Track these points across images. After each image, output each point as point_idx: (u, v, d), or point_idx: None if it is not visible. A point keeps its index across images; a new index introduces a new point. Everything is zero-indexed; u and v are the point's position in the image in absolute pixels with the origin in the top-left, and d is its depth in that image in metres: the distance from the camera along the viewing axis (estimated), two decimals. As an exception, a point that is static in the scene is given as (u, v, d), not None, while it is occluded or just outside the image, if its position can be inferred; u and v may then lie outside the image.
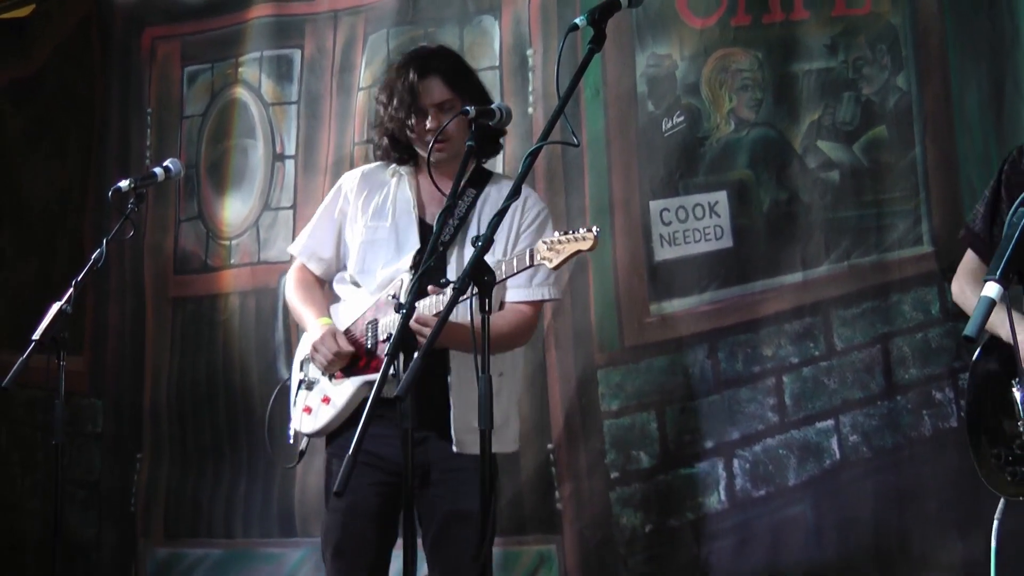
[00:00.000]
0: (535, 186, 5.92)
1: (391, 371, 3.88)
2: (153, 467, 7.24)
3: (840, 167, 5.70)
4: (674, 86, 6.02)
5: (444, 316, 3.70)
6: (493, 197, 4.85)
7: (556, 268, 4.18)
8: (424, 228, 4.89)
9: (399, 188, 4.99)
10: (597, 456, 6.03)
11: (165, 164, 5.47)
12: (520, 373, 5.14)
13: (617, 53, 6.08)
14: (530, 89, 6.35)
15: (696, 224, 5.92)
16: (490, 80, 6.44)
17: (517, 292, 4.80)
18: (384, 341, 4.73)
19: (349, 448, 4.74)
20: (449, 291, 4.61)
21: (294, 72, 7.13)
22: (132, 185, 5.31)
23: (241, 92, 7.27)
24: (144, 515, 7.24)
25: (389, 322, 4.71)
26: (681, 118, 5.99)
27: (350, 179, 5.14)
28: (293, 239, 6.69)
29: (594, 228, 4.07)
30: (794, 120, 5.79)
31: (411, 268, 4.78)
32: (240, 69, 7.27)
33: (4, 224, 7.96)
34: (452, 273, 4.74)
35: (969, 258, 4.52)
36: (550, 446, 6.13)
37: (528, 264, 4.23)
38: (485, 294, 3.72)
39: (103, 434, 7.43)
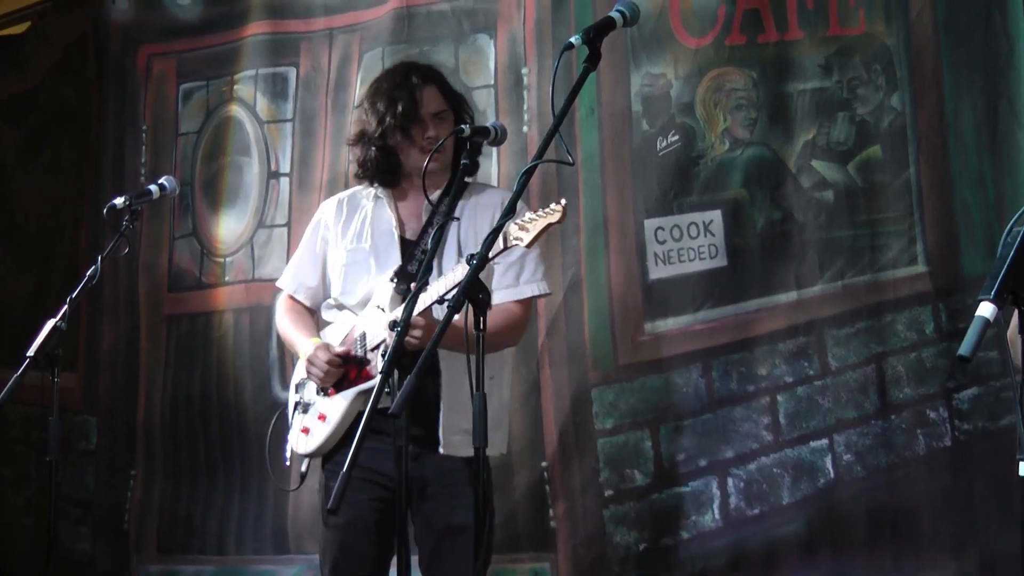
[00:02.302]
0: (529, 204, 5.91)
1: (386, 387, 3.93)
2: (146, 484, 7.23)
3: (834, 187, 5.71)
4: (669, 105, 6.03)
5: (437, 337, 3.69)
6: (471, 206, 4.86)
7: (529, 246, 4.13)
8: (405, 245, 4.89)
9: (377, 209, 4.99)
10: (591, 474, 6.03)
11: (160, 181, 5.47)
12: (509, 377, 5.09)
13: (612, 72, 6.09)
14: (525, 108, 6.35)
15: (690, 243, 5.92)
16: (485, 98, 6.45)
17: (506, 292, 4.78)
18: (373, 350, 4.74)
19: (355, 463, 4.78)
20: (444, 308, 4.64)
21: (289, 90, 7.13)
22: (127, 202, 5.31)
23: (236, 110, 7.27)
24: (137, 532, 7.23)
25: (377, 332, 4.72)
26: (676, 137, 5.99)
27: (327, 208, 5.15)
28: (288, 256, 6.71)
29: (562, 201, 4.06)
30: (789, 139, 5.79)
31: (392, 279, 4.78)
32: (235, 87, 7.27)
33: (-1, 241, 7.97)
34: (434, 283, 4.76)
35: None
36: (544, 464, 6.12)
37: (502, 247, 4.22)
38: (480, 312, 3.72)
39: (97, 451, 7.42)
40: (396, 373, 4.06)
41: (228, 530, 6.98)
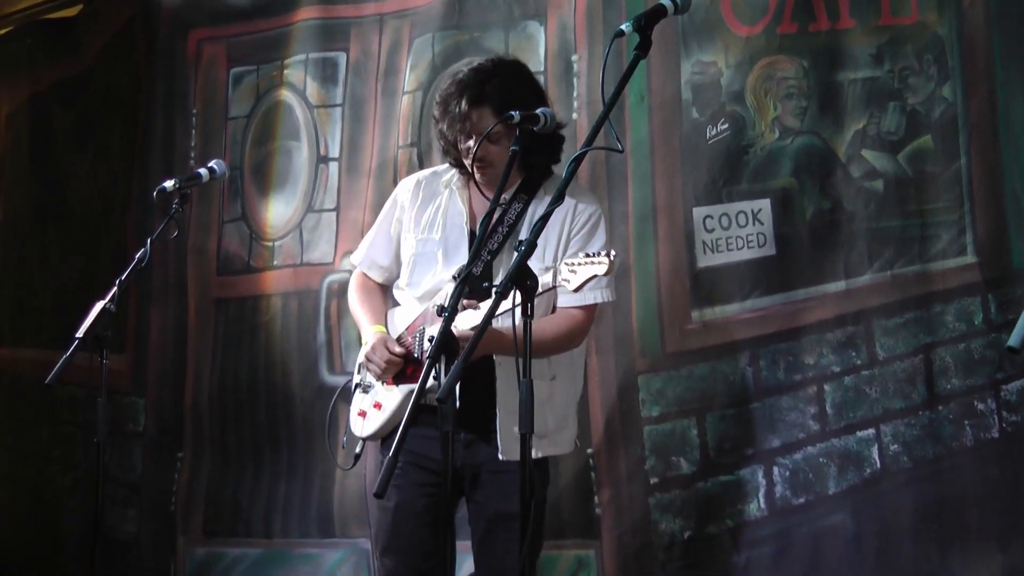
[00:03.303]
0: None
1: (432, 376, 3.95)
2: (193, 466, 7.28)
3: (884, 176, 5.69)
4: (719, 93, 6.01)
5: (485, 321, 3.72)
6: (544, 208, 4.83)
7: (576, 291, 4.17)
8: (475, 240, 4.86)
9: (451, 201, 4.97)
10: (637, 462, 6.03)
11: (210, 165, 5.51)
12: (580, 375, 5.10)
13: (662, 60, 6.07)
14: (574, 95, 6.35)
15: (739, 231, 5.91)
16: (534, 85, 6.45)
17: (569, 297, 4.74)
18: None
19: (400, 449, 4.77)
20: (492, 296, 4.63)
21: (339, 75, 7.15)
22: (177, 185, 5.35)
23: (286, 94, 7.29)
24: (184, 514, 7.28)
25: (436, 332, 4.70)
26: (725, 125, 5.98)
27: (405, 188, 5.12)
28: (336, 241, 6.73)
29: (612, 252, 4.05)
30: (839, 129, 5.77)
31: (454, 277, 4.76)
32: (285, 71, 7.29)
33: (50, 223, 8.02)
34: (499, 281, 4.71)
35: None
36: (590, 451, 6.13)
37: (551, 285, 4.23)
38: (528, 299, 3.73)
39: (144, 433, 7.47)
40: (443, 361, 4.08)
41: (274, 514, 7.01)
